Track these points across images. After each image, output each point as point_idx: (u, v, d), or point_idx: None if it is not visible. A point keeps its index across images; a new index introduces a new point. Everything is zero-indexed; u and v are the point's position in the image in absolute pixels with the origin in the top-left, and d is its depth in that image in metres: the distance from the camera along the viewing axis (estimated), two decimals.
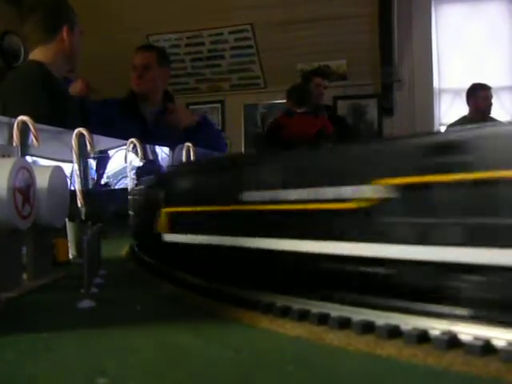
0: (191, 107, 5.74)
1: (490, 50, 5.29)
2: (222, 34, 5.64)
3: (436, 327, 0.57)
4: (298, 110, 3.99)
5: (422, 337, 0.57)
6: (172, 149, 2.71)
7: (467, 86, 4.61)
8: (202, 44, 5.77)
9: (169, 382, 0.53)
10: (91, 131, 1.62)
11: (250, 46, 5.64)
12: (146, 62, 3.06)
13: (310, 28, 5.18)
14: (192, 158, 2.27)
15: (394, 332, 0.59)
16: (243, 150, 5.77)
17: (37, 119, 1.28)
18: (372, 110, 5.60)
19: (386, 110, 5.53)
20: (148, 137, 2.80)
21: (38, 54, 2.41)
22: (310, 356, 0.59)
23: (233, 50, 5.73)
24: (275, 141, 3.95)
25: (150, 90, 3.07)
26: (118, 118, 2.91)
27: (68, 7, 2.52)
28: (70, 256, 1.37)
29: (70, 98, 2.56)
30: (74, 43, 2.47)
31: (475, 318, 0.56)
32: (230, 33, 5.62)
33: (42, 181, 1.04)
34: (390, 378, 0.52)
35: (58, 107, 2.28)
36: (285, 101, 5.18)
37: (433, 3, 5.44)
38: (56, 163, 1.35)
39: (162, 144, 2.76)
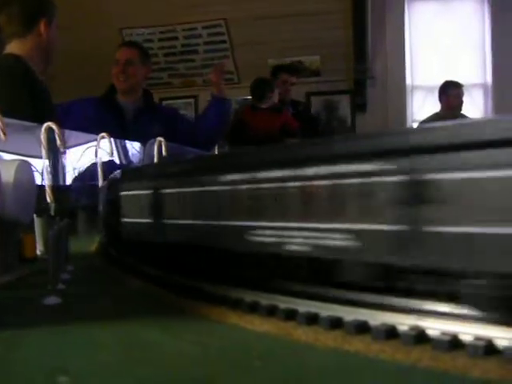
0: (164, 102, 5.70)
1: (462, 48, 5.33)
2: (195, 28, 5.61)
3: (404, 322, 0.57)
4: (262, 106, 3.97)
5: (390, 332, 0.56)
6: (144, 144, 2.68)
7: (440, 83, 4.64)
8: (176, 39, 5.73)
9: (132, 379, 0.52)
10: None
11: (224, 41, 5.61)
12: (129, 57, 3.06)
13: (284, 24, 5.17)
14: (164, 153, 2.26)
15: (362, 327, 0.58)
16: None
17: (17, 113, 1.25)
18: (345, 106, 5.62)
19: (359, 106, 5.55)
20: (125, 132, 2.79)
21: (14, 48, 2.33)
22: (277, 352, 0.58)
23: (206, 45, 5.70)
24: (240, 136, 3.93)
25: (131, 85, 3.06)
26: (95, 115, 2.89)
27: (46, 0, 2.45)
28: (38, 252, 1.35)
29: (49, 93, 2.49)
30: (51, 37, 2.39)
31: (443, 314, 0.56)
32: (204, 28, 5.58)
33: (7, 175, 1.02)
34: (357, 374, 0.52)
35: (38, 102, 2.23)
36: None
37: (406, 0, 5.47)
38: (29, 159, 1.33)
39: (139, 140, 2.74)
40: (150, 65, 3.33)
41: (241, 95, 5.68)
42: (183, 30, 5.64)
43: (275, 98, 4.03)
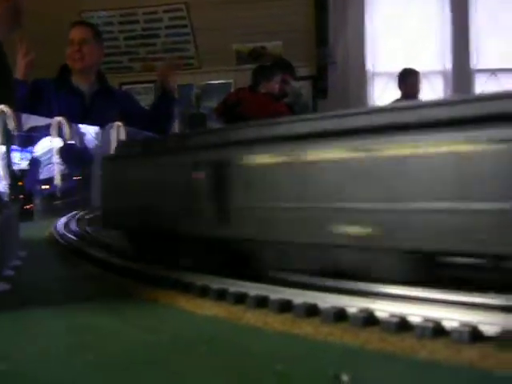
0: (124, 87, 5.63)
1: (423, 34, 5.37)
2: (156, 12, 5.54)
3: (353, 305, 0.56)
4: (262, 91, 4.00)
5: (340, 315, 0.56)
6: (102, 128, 2.64)
7: (400, 69, 4.67)
8: (137, 22, 5.65)
9: (76, 365, 0.50)
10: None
11: (185, 26, 5.56)
12: (83, 36, 2.96)
13: (246, 9, 5.14)
14: (123, 137, 2.23)
15: (312, 310, 0.58)
16: (177, 129, 5.70)
17: None
18: (306, 91, 5.61)
19: (321, 92, 5.55)
20: (85, 116, 2.74)
21: None
22: (225, 336, 0.57)
23: (167, 29, 5.64)
24: (234, 111, 3.93)
25: (87, 65, 2.96)
26: (56, 98, 2.80)
27: None
28: None
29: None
30: None
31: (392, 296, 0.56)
32: (165, 11, 5.52)
33: None
34: (305, 358, 0.51)
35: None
36: (220, 81, 5.19)
37: None
38: None
39: (98, 124, 2.69)
40: (103, 46, 3.23)
41: (201, 80, 5.66)
42: (144, 13, 5.57)
43: (271, 88, 4.06)
